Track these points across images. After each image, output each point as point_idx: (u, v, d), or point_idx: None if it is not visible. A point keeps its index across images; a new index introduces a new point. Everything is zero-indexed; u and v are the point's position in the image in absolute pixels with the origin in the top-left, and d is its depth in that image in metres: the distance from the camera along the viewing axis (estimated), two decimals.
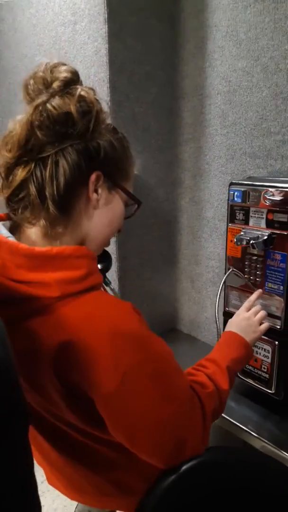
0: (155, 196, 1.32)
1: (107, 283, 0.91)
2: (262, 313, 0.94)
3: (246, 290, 1.01)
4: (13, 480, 0.46)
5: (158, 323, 1.44)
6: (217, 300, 0.99)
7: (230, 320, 0.94)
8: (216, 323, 0.98)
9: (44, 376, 0.64)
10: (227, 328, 0.91)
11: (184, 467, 0.73)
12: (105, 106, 0.71)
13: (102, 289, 0.78)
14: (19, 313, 0.64)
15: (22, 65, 1.55)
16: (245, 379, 1.06)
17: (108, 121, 0.72)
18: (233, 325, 0.91)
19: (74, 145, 0.65)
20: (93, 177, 0.68)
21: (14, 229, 0.70)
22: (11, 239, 0.66)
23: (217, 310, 0.98)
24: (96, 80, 1.15)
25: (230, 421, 1.02)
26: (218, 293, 1.00)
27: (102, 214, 0.71)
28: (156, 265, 1.38)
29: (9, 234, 0.67)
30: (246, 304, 0.96)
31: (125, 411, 0.64)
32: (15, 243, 0.63)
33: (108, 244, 0.79)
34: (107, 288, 0.92)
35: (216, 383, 0.77)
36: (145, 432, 0.66)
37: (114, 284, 1.32)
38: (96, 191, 0.70)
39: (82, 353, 0.60)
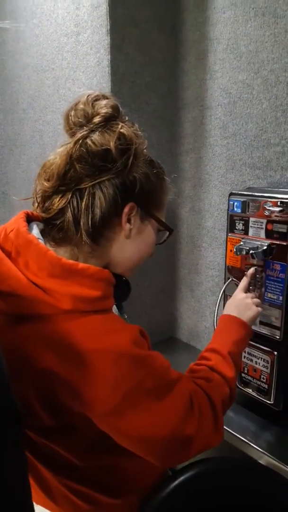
0: None
1: (122, 312, 0.91)
2: (256, 300, 0.94)
3: None
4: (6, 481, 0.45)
5: (157, 332, 1.44)
6: (216, 309, 0.99)
7: (227, 302, 0.94)
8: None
9: (28, 390, 0.63)
10: (225, 311, 0.91)
11: (181, 478, 0.73)
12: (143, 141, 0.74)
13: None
14: (21, 312, 0.63)
15: (25, 75, 1.56)
16: (244, 389, 1.06)
17: (146, 151, 0.74)
18: (230, 307, 0.92)
19: (111, 179, 0.67)
20: (127, 208, 0.69)
21: (44, 235, 0.70)
22: (41, 241, 0.67)
23: (216, 320, 0.99)
24: (97, 90, 1.17)
25: (229, 431, 1.02)
26: (218, 303, 1.00)
27: (134, 242, 0.73)
28: (155, 274, 1.38)
29: (40, 237, 0.68)
30: (242, 284, 0.96)
31: (127, 428, 0.64)
32: (45, 248, 0.64)
33: (136, 269, 0.79)
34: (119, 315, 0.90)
35: (220, 372, 0.77)
36: (151, 444, 0.66)
37: None
38: (129, 221, 0.71)
39: (81, 369, 0.60)
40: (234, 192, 1.01)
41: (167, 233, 0.82)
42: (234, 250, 0.98)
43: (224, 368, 0.78)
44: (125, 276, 0.76)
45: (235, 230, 1.01)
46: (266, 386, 1.00)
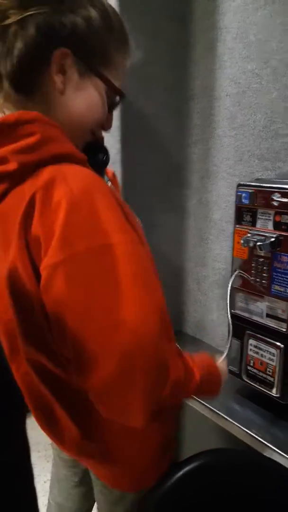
0: (163, 197, 1.31)
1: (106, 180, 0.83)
2: None
3: (252, 292, 1.00)
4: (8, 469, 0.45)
5: None
6: (228, 302, 0.99)
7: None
8: (229, 326, 0.98)
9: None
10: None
11: (184, 469, 0.73)
12: None
13: None
14: None
15: None
16: (250, 382, 1.05)
17: None
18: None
19: (40, 15, 0.58)
20: (56, 54, 0.61)
21: None
22: None
23: (229, 313, 0.98)
24: None
25: (234, 423, 1.01)
26: (228, 296, 0.99)
27: (73, 101, 0.65)
28: (160, 267, 1.37)
29: None
30: None
31: (68, 303, 0.55)
32: None
33: (91, 137, 0.73)
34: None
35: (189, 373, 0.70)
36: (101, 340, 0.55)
37: None
38: (63, 71, 0.63)
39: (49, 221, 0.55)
40: (242, 183, 0.99)
41: (118, 98, 0.73)
42: (241, 241, 0.96)
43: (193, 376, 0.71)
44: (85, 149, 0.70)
45: (242, 222, 1.00)
46: (272, 379, 0.99)
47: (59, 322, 0.56)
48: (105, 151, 0.83)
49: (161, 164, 1.28)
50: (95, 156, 0.78)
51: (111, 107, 0.73)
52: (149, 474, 0.81)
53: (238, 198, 0.99)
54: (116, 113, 1.19)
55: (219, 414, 1.05)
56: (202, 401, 1.10)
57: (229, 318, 0.97)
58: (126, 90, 0.74)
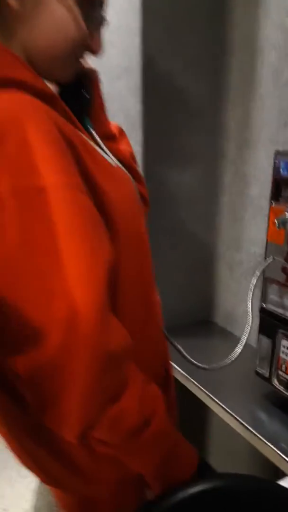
0: (193, 170, 1.15)
1: (86, 122, 0.69)
2: None
3: None
4: None
5: (190, 314, 1.29)
6: (251, 292, 0.83)
7: None
8: (248, 318, 0.82)
9: None
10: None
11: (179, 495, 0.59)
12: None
13: None
14: None
15: None
16: (279, 387, 0.89)
17: None
18: None
19: None
20: None
21: None
22: None
23: (252, 306, 0.82)
24: (124, 29, 1.00)
25: (259, 438, 0.86)
26: (253, 285, 0.83)
27: (37, 21, 0.55)
28: (189, 249, 1.22)
29: None
30: None
31: None
32: None
33: (77, 63, 0.63)
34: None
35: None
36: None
37: None
38: None
39: None
40: (282, 151, 0.81)
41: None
42: (276, 222, 0.79)
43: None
44: (52, 78, 0.61)
45: (280, 198, 0.82)
46: None
47: None
48: (85, 86, 0.68)
49: (191, 131, 1.11)
50: (74, 92, 0.66)
51: (90, 21, 0.59)
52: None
53: (276, 169, 0.81)
54: (136, 69, 1.03)
55: (241, 423, 0.90)
56: (222, 404, 0.95)
57: (250, 310, 0.81)
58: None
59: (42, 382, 0.48)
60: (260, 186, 1.07)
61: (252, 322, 0.84)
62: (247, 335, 0.82)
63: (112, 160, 0.64)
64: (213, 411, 0.99)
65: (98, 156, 0.59)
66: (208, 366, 0.84)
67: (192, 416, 1.34)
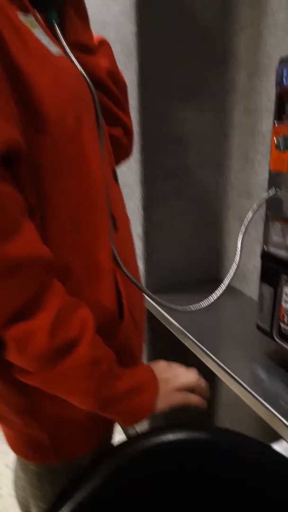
0: (198, 105, 1.02)
1: (52, 18, 0.61)
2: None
3: None
4: None
5: (196, 271, 1.18)
6: (245, 228, 0.71)
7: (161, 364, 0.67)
8: (236, 257, 0.71)
9: None
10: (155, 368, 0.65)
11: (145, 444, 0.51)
12: None
13: None
14: None
15: None
16: (283, 343, 0.77)
17: None
18: (162, 368, 0.65)
19: None
20: None
21: None
22: None
23: (241, 243, 0.71)
24: None
25: (255, 396, 0.76)
26: (247, 221, 0.72)
27: None
28: (194, 196, 1.10)
29: None
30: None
31: None
32: None
33: None
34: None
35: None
36: None
37: (139, 215, 1.09)
38: None
39: None
40: (285, 57, 0.68)
41: None
42: (276, 142, 0.66)
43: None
44: None
45: (283, 116, 0.69)
46: None
47: None
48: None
49: (196, 58, 0.99)
50: None
51: None
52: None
53: (279, 78, 0.68)
54: None
55: (236, 380, 0.80)
56: (220, 363, 0.85)
57: (239, 248, 0.70)
58: None
59: None
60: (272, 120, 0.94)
61: (240, 262, 0.72)
62: (231, 275, 0.71)
63: (58, 53, 0.55)
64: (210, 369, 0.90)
65: (34, 42, 0.51)
66: (181, 307, 0.74)
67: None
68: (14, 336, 0.46)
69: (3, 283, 0.45)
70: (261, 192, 1.02)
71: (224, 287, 0.72)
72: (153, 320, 1.16)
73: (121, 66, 0.81)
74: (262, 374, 0.82)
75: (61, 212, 0.52)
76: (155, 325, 1.16)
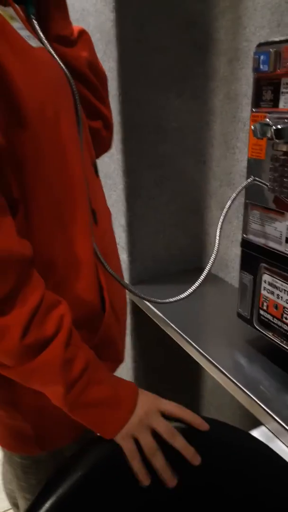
0: (179, 92, 1.01)
1: (30, 12, 0.60)
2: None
3: (270, 208, 0.70)
4: None
5: (179, 260, 1.18)
6: (221, 219, 0.71)
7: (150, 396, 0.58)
8: (215, 246, 0.71)
9: None
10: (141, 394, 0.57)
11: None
12: None
13: None
14: None
15: None
16: (262, 330, 0.78)
17: None
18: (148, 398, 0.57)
19: None
20: None
21: None
22: None
23: (220, 231, 0.71)
24: None
25: (235, 382, 0.76)
26: (225, 210, 0.71)
27: None
28: (178, 186, 1.10)
29: None
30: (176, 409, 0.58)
31: None
32: None
33: None
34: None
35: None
36: None
37: (122, 206, 1.08)
38: None
39: None
40: (263, 42, 0.67)
41: None
42: (254, 129, 0.66)
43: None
44: None
45: (261, 103, 0.68)
46: None
47: None
48: None
49: (176, 44, 0.97)
50: None
51: None
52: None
53: (256, 64, 0.67)
54: None
55: (217, 367, 0.80)
56: (200, 349, 0.85)
57: (217, 238, 0.70)
58: None
59: None
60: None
61: (220, 251, 0.72)
62: (210, 264, 0.71)
63: (35, 43, 0.54)
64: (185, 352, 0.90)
65: (12, 34, 0.50)
66: (160, 300, 0.74)
67: (174, 362, 1.25)
68: None
69: None
70: (243, 180, 1.02)
71: (203, 278, 0.72)
72: (136, 310, 1.16)
73: (100, 55, 0.79)
74: (243, 361, 0.83)
75: (44, 206, 0.52)
76: (138, 315, 1.16)
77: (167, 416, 0.56)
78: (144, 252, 1.13)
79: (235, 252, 1.08)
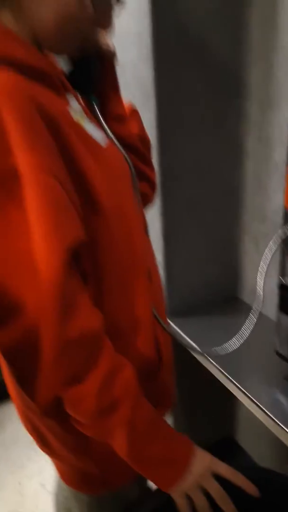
0: (213, 136, 1.06)
1: (91, 99, 0.68)
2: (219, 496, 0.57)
3: None
4: None
5: (215, 291, 1.22)
6: (266, 265, 0.75)
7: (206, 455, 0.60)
8: (257, 292, 0.75)
9: None
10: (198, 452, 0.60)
11: None
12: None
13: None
14: None
15: None
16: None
17: None
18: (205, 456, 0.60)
19: None
20: None
21: None
22: None
23: (262, 279, 0.75)
24: None
25: (275, 421, 0.79)
26: (267, 258, 0.75)
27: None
28: (210, 221, 1.14)
29: None
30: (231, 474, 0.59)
31: None
32: None
33: (83, 41, 0.60)
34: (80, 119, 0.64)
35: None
36: None
37: (159, 243, 1.13)
38: None
39: None
40: None
41: None
42: None
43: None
44: (60, 51, 0.59)
45: None
46: None
47: None
48: (94, 63, 0.64)
49: (210, 91, 1.02)
50: (83, 68, 0.65)
51: None
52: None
53: None
54: (146, 33, 0.94)
55: (256, 403, 0.84)
56: (240, 386, 0.89)
57: (260, 289, 0.74)
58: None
59: (18, 354, 0.50)
60: (285, 150, 0.97)
61: (265, 298, 0.76)
62: (255, 318, 0.75)
63: (103, 139, 0.62)
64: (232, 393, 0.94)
65: (86, 138, 0.58)
66: (206, 352, 0.79)
67: (213, 395, 1.28)
68: (68, 398, 0.52)
69: (63, 357, 0.49)
70: (274, 216, 1.05)
71: (250, 329, 0.77)
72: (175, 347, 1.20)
73: (139, 107, 0.85)
74: (281, 398, 0.86)
75: (113, 277, 0.58)
76: (177, 350, 1.20)
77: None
78: (180, 286, 1.17)
79: (270, 286, 1.11)
